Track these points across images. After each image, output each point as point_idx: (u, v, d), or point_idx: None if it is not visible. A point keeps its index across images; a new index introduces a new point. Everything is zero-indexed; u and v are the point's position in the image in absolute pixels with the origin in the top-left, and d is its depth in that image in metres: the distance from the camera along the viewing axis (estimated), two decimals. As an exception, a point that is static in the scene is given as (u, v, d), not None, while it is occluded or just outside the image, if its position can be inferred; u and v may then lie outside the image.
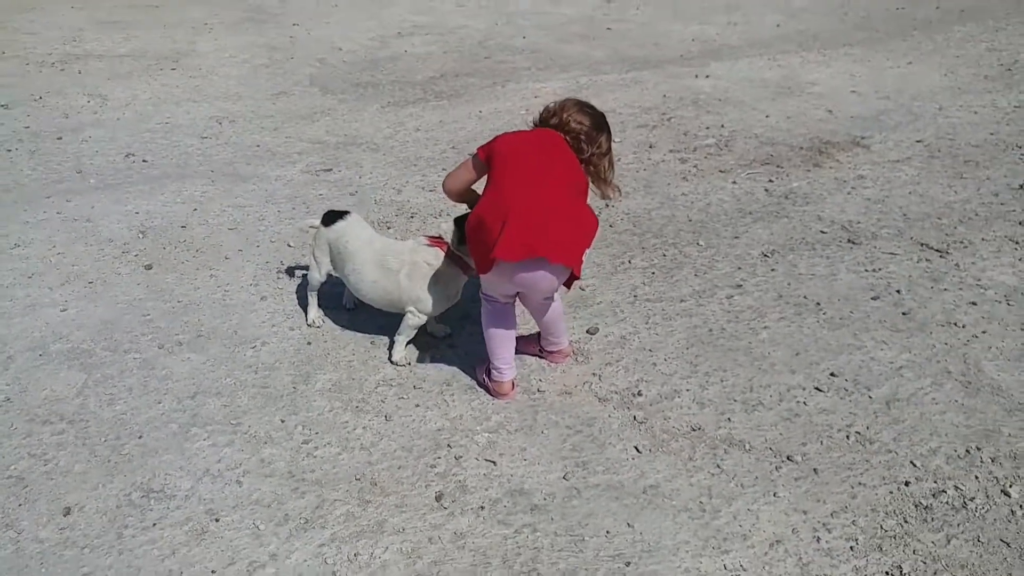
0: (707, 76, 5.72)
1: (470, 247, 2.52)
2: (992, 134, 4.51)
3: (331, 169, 4.44)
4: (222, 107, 5.41)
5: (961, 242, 3.45)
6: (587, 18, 7.64)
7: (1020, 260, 3.30)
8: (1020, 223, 3.58)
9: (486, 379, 2.67)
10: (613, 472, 2.32)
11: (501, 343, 2.61)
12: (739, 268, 3.36)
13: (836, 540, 2.07)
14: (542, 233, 2.34)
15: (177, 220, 3.88)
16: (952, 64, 5.63)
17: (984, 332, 2.86)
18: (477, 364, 2.77)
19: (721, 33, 6.88)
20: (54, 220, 3.88)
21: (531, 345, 2.86)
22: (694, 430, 2.48)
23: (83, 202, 4.05)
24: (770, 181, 4.12)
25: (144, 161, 4.57)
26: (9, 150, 4.69)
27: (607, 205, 3.89)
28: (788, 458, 2.35)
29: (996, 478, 2.22)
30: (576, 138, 2.54)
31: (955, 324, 2.91)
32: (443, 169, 4.43)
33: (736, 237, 3.60)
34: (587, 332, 2.97)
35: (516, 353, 2.76)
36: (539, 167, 2.45)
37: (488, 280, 2.53)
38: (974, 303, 3.03)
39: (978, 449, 2.33)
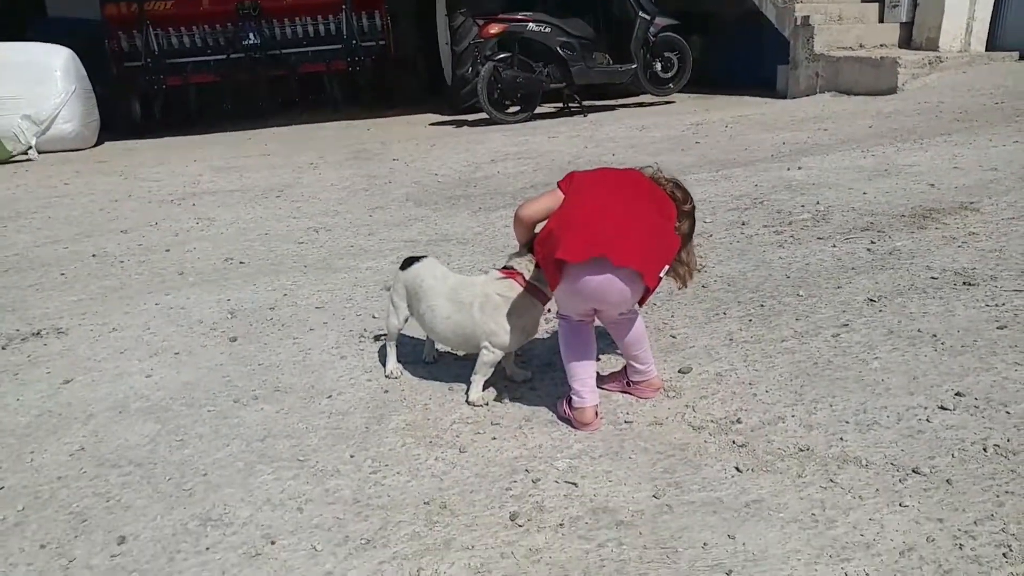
0: (799, 168, 5.61)
1: (539, 261, 2.43)
2: (1118, 190, 4.16)
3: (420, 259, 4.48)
4: (320, 220, 5.65)
5: (1098, 279, 3.10)
6: (677, 137, 7.76)
7: None
8: None
9: (567, 409, 2.48)
10: (710, 490, 2.05)
11: (579, 364, 2.43)
12: (843, 311, 3.10)
13: (984, 547, 1.72)
14: (610, 237, 2.24)
15: (266, 303, 3.95)
16: (1062, 139, 5.35)
17: None
18: (558, 401, 2.59)
19: (811, 136, 6.83)
20: (151, 309, 4.01)
21: (616, 381, 2.66)
22: (802, 450, 2.19)
23: (180, 295, 4.20)
24: (872, 243, 3.88)
25: (241, 263, 4.75)
26: (122, 262, 4.98)
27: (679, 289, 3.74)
28: (914, 471, 2.03)
29: None
30: (670, 191, 2.49)
31: (1101, 346, 2.55)
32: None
33: (839, 287, 3.36)
34: (679, 372, 2.76)
35: (601, 389, 2.58)
36: (621, 188, 2.41)
37: (559, 295, 2.41)
38: (1121, 328, 2.67)
39: None
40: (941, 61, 8.15)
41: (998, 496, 1.89)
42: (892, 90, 8.01)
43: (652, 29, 9.73)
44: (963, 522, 1.81)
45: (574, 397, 2.43)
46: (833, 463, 2.11)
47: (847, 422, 2.30)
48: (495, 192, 6.12)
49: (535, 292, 2.60)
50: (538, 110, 10.00)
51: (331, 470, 2.36)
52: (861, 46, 8.91)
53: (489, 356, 2.63)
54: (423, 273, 2.83)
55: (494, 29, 9.11)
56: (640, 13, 9.53)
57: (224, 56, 12.13)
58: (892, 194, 4.68)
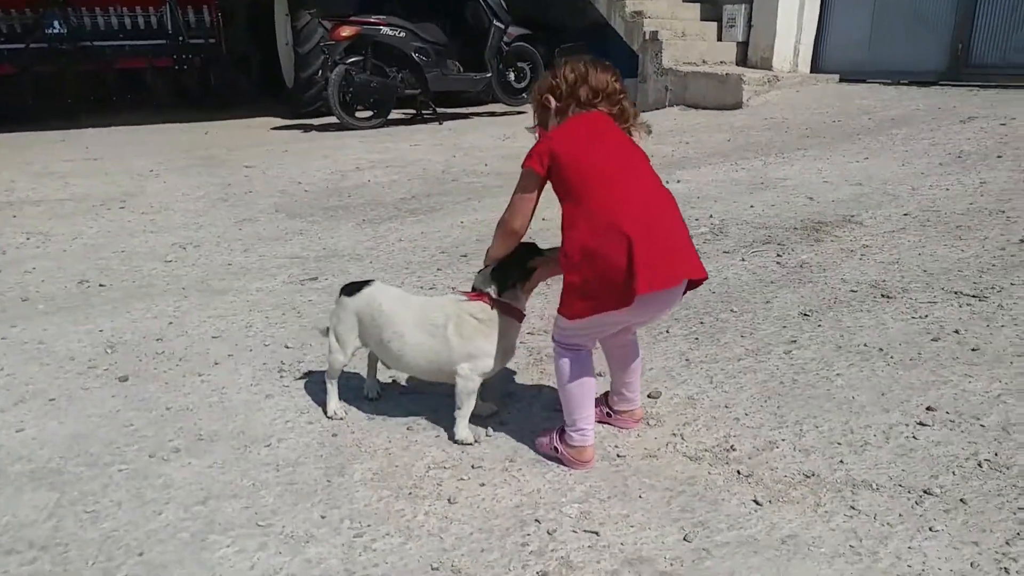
0: (678, 181, 5.75)
1: (579, 287, 2.07)
2: (971, 204, 4.57)
3: (316, 278, 4.13)
4: (183, 235, 5.09)
5: (991, 287, 3.35)
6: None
7: (1060, 298, 3.20)
8: (1040, 269, 3.52)
9: (559, 447, 2.29)
10: (739, 527, 1.96)
11: (584, 399, 2.24)
12: (784, 327, 3.15)
13: (1028, 569, 1.75)
14: (673, 245, 2.08)
15: (150, 334, 3.46)
16: (905, 156, 5.84)
17: (1065, 360, 2.69)
18: (537, 437, 2.40)
19: (676, 150, 7.05)
20: None
21: (596, 409, 2.49)
22: (808, 476, 2.16)
23: (33, 325, 3.59)
24: (778, 256, 4.01)
25: (101, 286, 4.15)
26: (-58, 288, 4.21)
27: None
28: (926, 492, 2.05)
29: None
30: (618, 102, 2.24)
31: (1031, 355, 2.74)
32: (438, 270, 4.18)
33: (768, 302, 3.42)
34: (649, 396, 2.66)
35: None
36: (618, 162, 2.13)
37: (583, 324, 2.14)
38: (1038, 336, 2.88)
39: None
40: (778, 80, 8.73)
41: (1015, 513, 1.93)
42: (738, 105, 8.47)
43: (505, 38, 9.72)
44: (995, 544, 1.83)
45: (574, 434, 2.25)
46: (845, 488, 2.09)
47: (839, 443, 2.30)
48: (375, 202, 5.80)
49: (510, 310, 2.40)
50: (390, 116, 9.69)
51: (303, 535, 2.05)
52: (704, 62, 9.37)
53: (469, 384, 2.40)
54: (379, 297, 2.54)
55: (346, 32, 8.71)
56: (494, 22, 9.48)
57: (23, 45, 10.81)
58: (777, 207, 4.88)
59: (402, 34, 9.08)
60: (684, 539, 1.93)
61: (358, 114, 9.40)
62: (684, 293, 2.21)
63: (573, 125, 2.21)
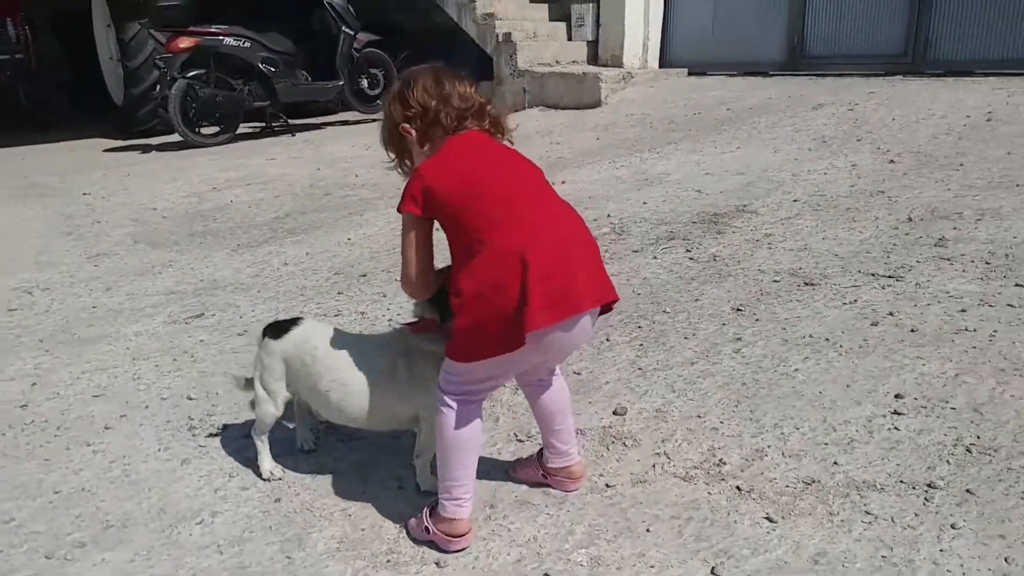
0: (563, 182, 5.65)
1: (470, 328, 1.79)
2: (853, 187, 4.75)
3: (202, 314, 3.68)
4: (26, 277, 4.42)
5: (902, 267, 3.45)
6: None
7: (965, 271, 3.33)
8: (936, 244, 3.66)
9: (430, 524, 1.93)
10: (764, 551, 1.82)
11: (464, 459, 1.90)
12: (724, 324, 3.08)
13: (1061, 557, 1.71)
14: (577, 269, 1.78)
15: (10, 400, 2.92)
16: (774, 144, 6.04)
17: (996, 331, 2.77)
18: (413, 516, 2.03)
19: (550, 151, 6.97)
20: None
21: (529, 469, 2.18)
22: (809, 484, 2.06)
23: None
24: (688, 251, 3.97)
25: (-65, 348, 3.51)
26: None
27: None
28: (929, 486, 2.00)
29: None
30: (487, 114, 1.97)
31: (967, 329, 2.80)
32: (339, 294, 3.84)
33: (697, 300, 3.35)
34: (615, 414, 2.49)
35: (517, 481, 2.19)
36: (508, 185, 1.84)
37: (475, 370, 1.84)
38: (963, 310, 2.96)
39: (1104, 430, 2.13)
40: (632, 76, 8.87)
41: (1023, 499, 1.91)
42: (596, 104, 8.52)
43: (356, 45, 9.32)
44: (1021, 535, 1.80)
45: (447, 503, 1.90)
46: (852, 492, 2.00)
47: (826, 444, 2.23)
48: (245, 224, 5.32)
49: None
50: (238, 131, 9.05)
51: (275, 631, 1.72)
52: (557, 62, 9.38)
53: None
54: (313, 337, 2.21)
55: (184, 43, 8.02)
56: (343, 28, 9.06)
57: None
58: (669, 202, 4.88)
59: (246, 44, 8.48)
60: (712, 572, 1.77)
61: (203, 130, 8.71)
62: (600, 315, 1.93)
63: (447, 153, 1.91)
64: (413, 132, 1.97)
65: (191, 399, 2.84)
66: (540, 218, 1.82)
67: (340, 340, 2.21)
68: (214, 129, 8.77)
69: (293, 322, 2.29)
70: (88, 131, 10.57)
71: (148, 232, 5.31)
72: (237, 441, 2.52)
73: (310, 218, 5.39)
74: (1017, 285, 3.15)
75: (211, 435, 2.58)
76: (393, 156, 2.08)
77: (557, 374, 2.10)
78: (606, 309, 1.94)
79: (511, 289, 1.71)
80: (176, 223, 5.55)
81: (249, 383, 2.38)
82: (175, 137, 8.69)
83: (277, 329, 2.28)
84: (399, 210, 1.89)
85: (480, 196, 1.80)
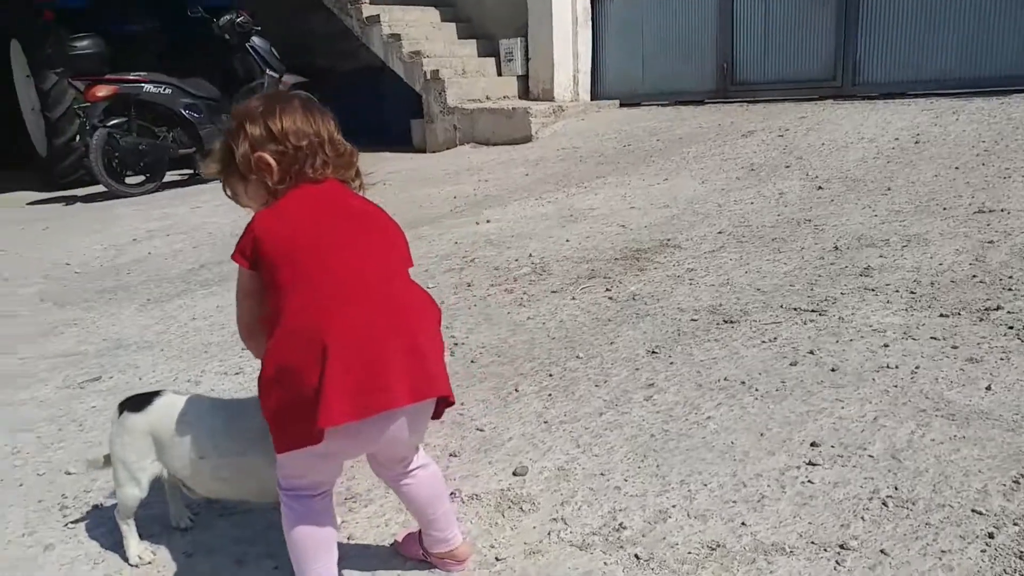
0: (488, 221, 5.51)
1: (272, 415, 1.61)
2: (779, 216, 4.68)
3: (99, 377, 3.43)
4: (-95, 346, 4.12)
5: (826, 299, 3.34)
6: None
7: (890, 303, 3.23)
8: (861, 274, 3.58)
9: None
10: (659, 634, 1.64)
11: (316, 553, 1.70)
12: (636, 369, 2.92)
13: (977, 625, 1.56)
14: (386, 359, 1.56)
15: None
16: (702, 174, 5.98)
17: (919, 367, 2.65)
18: None
19: (478, 188, 6.84)
20: None
21: (411, 546, 1.96)
22: (713, 549, 1.89)
23: None
24: (607, 290, 3.83)
25: None
26: None
27: (455, 342, 3.34)
28: (842, 547, 1.84)
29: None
30: (353, 163, 1.80)
31: (888, 367, 2.68)
32: (243, 350, 3.61)
33: (612, 343, 3.19)
34: (514, 474, 2.31)
35: (402, 556, 1.98)
36: (344, 249, 1.65)
37: (302, 461, 1.64)
38: (886, 345, 2.85)
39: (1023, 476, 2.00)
40: (563, 110, 8.82)
41: (940, 559, 1.76)
42: (528, 139, 8.44)
43: (281, 87, 9.14)
44: (934, 598, 1.65)
45: None
46: (759, 557, 1.84)
47: (734, 501, 2.07)
48: (159, 278, 5.07)
49: None
50: (165, 179, 8.78)
51: None
52: (488, 98, 9.31)
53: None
54: (176, 410, 1.99)
55: (102, 92, 7.76)
56: (267, 71, 8.88)
57: None
58: (593, 239, 4.75)
59: (168, 90, 8.25)
60: (600, 665, 1.58)
61: (128, 180, 8.43)
62: (440, 414, 1.75)
63: (291, 200, 1.71)
64: (275, 174, 1.74)
65: (69, 474, 2.59)
66: (367, 293, 1.61)
67: (209, 408, 2.02)
68: (139, 178, 8.50)
69: (155, 395, 2.08)
70: (10, 183, 10.19)
71: (57, 290, 5.03)
72: (111, 521, 2.27)
73: (226, 268, 5.14)
74: (941, 315, 3.05)
75: (84, 515, 2.34)
76: (230, 193, 1.87)
77: (423, 463, 1.84)
78: (447, 404, 1.73)
79: (309, 375, 1.50)
80: (89, 279, 5.28)
81: (108, 460, 2.15)
82: (102, 188, 8.40)
83: (137, 403, 2.06)
84: (235, 258, 1.70)
85: (302, 252, 1.61)
